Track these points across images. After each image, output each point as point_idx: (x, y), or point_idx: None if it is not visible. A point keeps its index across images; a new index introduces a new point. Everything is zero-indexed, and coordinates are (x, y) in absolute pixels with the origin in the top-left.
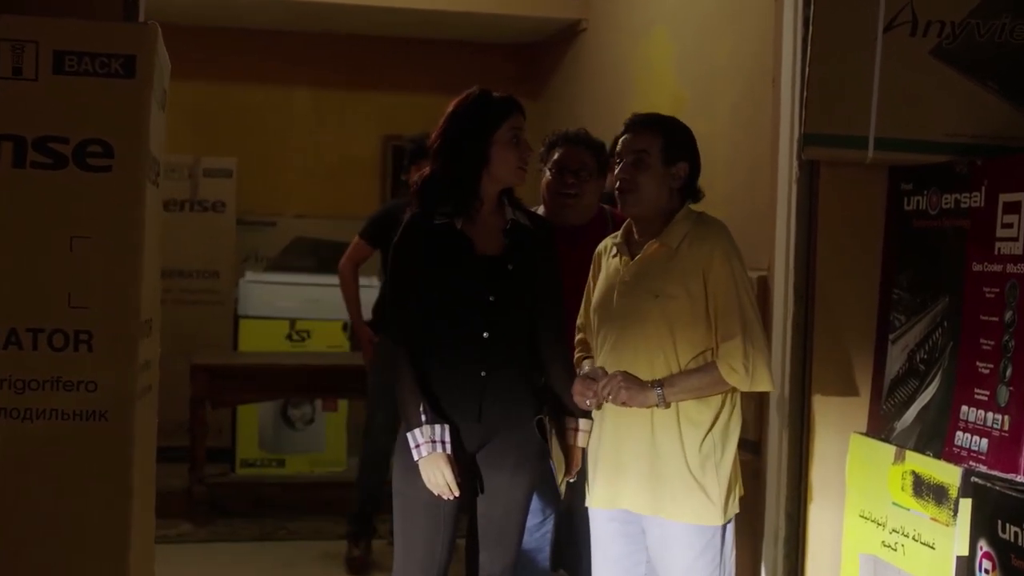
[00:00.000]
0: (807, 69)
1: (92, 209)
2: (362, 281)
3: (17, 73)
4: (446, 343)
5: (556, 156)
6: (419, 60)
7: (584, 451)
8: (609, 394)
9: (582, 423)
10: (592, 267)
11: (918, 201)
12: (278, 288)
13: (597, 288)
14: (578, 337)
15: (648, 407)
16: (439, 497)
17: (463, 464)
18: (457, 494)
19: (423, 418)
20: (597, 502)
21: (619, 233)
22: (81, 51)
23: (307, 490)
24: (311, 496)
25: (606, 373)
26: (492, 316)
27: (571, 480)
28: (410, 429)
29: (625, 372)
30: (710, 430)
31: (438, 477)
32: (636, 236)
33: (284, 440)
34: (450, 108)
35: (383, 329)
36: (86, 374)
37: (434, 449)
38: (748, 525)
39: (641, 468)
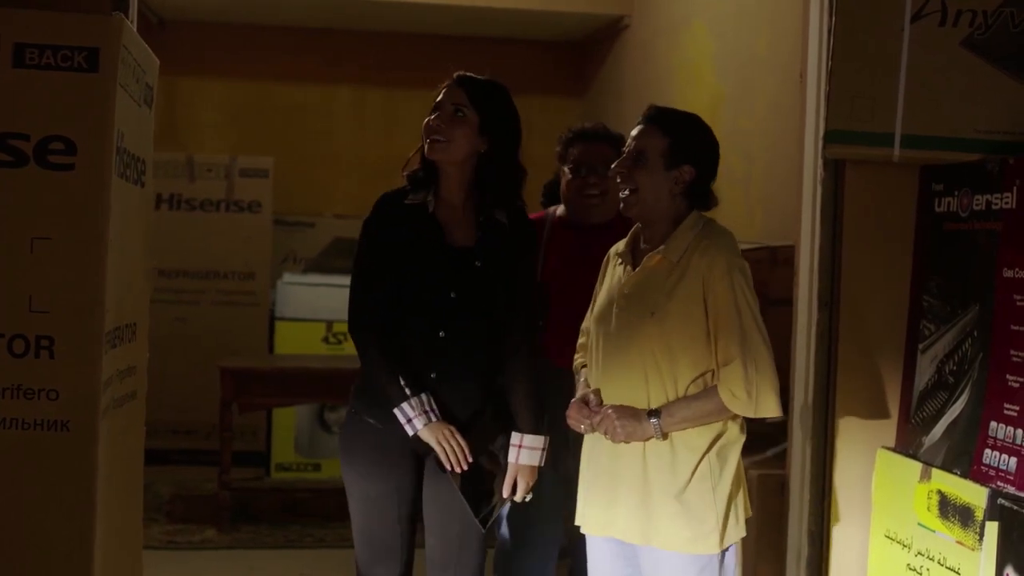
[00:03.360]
0: (830, 61)
1: (54, 209)
2: None
3: None
4: (398, 339)
5: (574, 154)
6: (463, 58)
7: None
8: (606, 433)
9: (527, 439)
10: (600, 271)
11: (949, 202)
12: (316, 290)
13: (600, 297)
14: (580, 340)
15: (647, 439)
16: (391, 490)
17: (407, 465)
18: (471, 460)
19: (407, 391)
20: (590, 528)
21: (626, 240)
22: (42, 44)
23: (339, 496)
24: (343, 502)
25: (600, 400)
26: (451, 314)
27: (516, 500)
28: (398, 404)
29: (619, 407)
30: (707, 452)
31: (445, 444)
32: (642, 244)
33: (320, 444)
34: None
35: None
36: (47, 382)
37: (429, 420)
38: (770, 544)
39: (633, 495)
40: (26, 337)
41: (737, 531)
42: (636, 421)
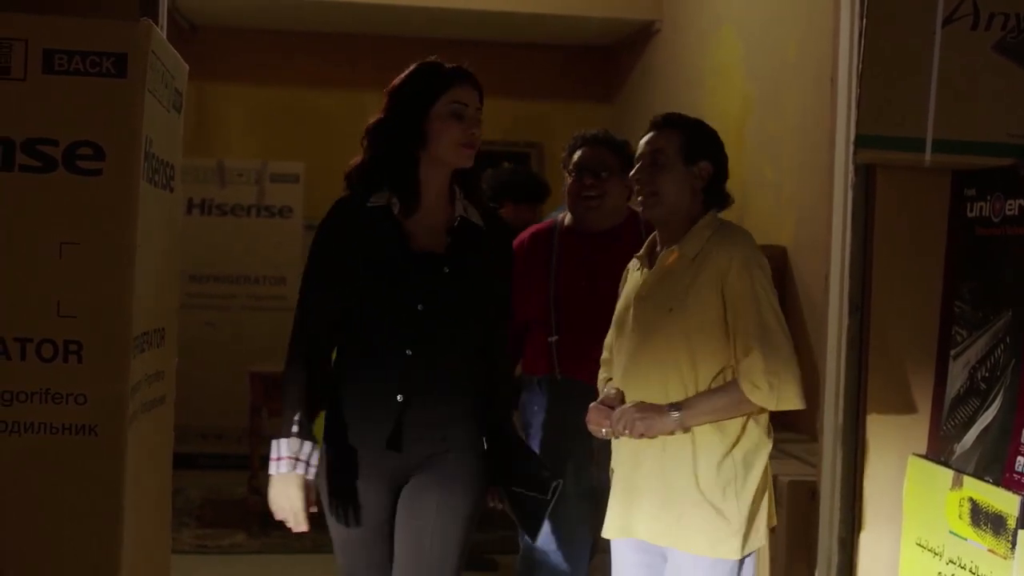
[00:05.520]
0: (860, 65)
1: (82, 214)
2: None
3: (5, 73)
4: (359, 355)
5: (576, 158)
6: (491, 63)
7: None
8: (625, 428)
9: None
10: (620, 285)
11: (981, 207)
12: None
13: (618, 304)
14: (604, 356)
15: (668, 433)
16: (370, 531)
17: (376, 491)
18: (305, 528)
19: (294, 429)
20: (612, 531)
21: (643, 248)
22: (71, 50)
23: None
24: None
25: (623, 399)
26: (419, 329)
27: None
28: (276, 437)
29: (640, 403)
30: (729, 452)
31: (284, 501)
32: (658, 247)
33: None
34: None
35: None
36: (75, 386)
37: (294, 468)
38: (801, 551)
39: (655, 495)
40: (54, 342)
41: (758, 539)
42: (657, 414)
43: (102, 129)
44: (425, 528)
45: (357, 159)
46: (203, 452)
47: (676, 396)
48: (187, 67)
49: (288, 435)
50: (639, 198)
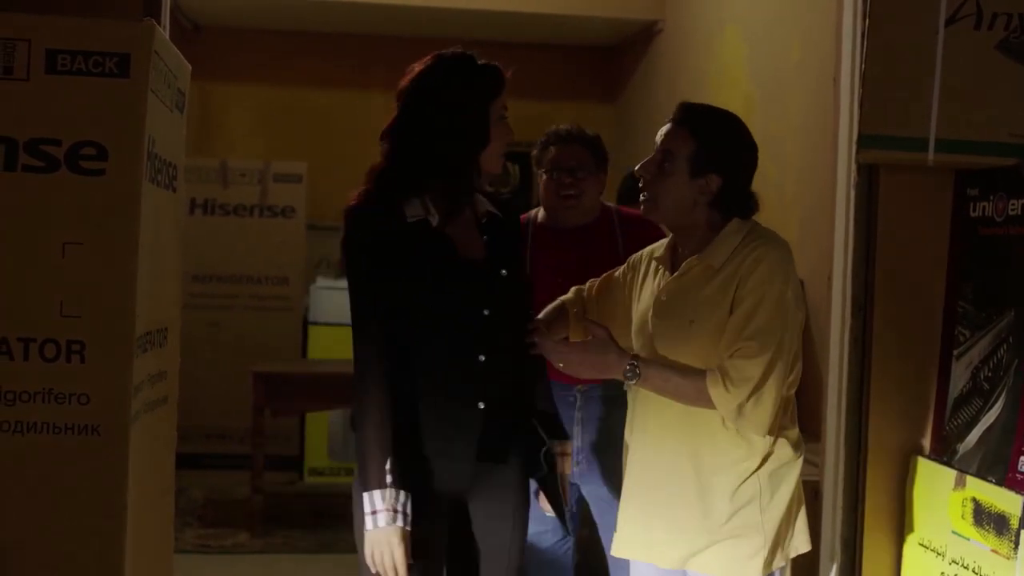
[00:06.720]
0: (863, 65)
1: (85, 214)
2: None
3: (8, 72)
4: (433, 373)
5: (550, 156)
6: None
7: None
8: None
9: (568, 446)
10: (624, 268)
11: (984, 207)
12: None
13: (636, 307)
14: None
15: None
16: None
17: (445, 513)
18: None
19: (388, 479)
20: (628, 552)
21: (663, 246)
22: (74, 50)
23: None
24: None
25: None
26: (489, 334)
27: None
28: (369, 489)
29: (587, 347)
30: (756, 471)
31: (386, 556)
32: (679, 250)
33: (354, 449)
34: (428, 73)
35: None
36: (78, 386)
37: (394, 521)
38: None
39: (677, 516)
40: (57, 342)
41: (782, 557)
42: (605, 365)
43: (105, 129)
44: (504, 540)
45: (379, 162)
46: (206, 452)
47: (700, 412)
48: (190, 67)
49: (383, 486)
50: (641, 196)
